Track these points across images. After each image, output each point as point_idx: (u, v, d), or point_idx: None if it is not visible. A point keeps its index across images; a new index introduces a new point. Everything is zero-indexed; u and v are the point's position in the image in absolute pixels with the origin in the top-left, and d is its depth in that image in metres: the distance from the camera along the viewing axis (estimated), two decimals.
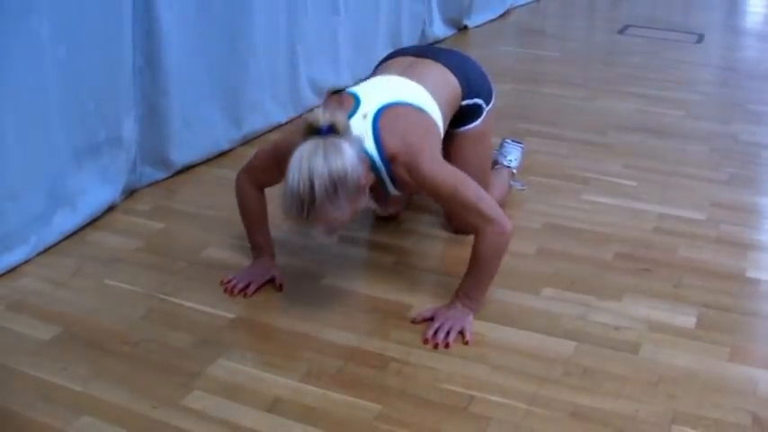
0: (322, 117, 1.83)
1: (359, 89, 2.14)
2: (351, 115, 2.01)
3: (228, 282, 2.22)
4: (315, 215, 1.83)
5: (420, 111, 2.10)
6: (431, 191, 2.04)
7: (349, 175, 1.82)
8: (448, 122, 2.28)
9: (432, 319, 2.06)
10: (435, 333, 2.01)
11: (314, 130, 1.83)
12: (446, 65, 2.31)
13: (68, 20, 2.33)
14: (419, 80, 2.19)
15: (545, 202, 2.79)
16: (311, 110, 1.85)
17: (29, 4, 2.18)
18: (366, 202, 1.95)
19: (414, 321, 2.08)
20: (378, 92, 2.10)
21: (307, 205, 1.81)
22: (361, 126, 1.99)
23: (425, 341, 2.00)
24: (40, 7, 2.22)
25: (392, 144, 1.99)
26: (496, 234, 2.00)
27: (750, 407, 1.80)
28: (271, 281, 2.24)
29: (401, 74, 2.22)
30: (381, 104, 2.04)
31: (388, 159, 2.00)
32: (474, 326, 2.05)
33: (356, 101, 2.07)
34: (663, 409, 1.79)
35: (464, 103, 2.32)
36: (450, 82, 2.29)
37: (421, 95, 2.15)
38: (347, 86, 3.91)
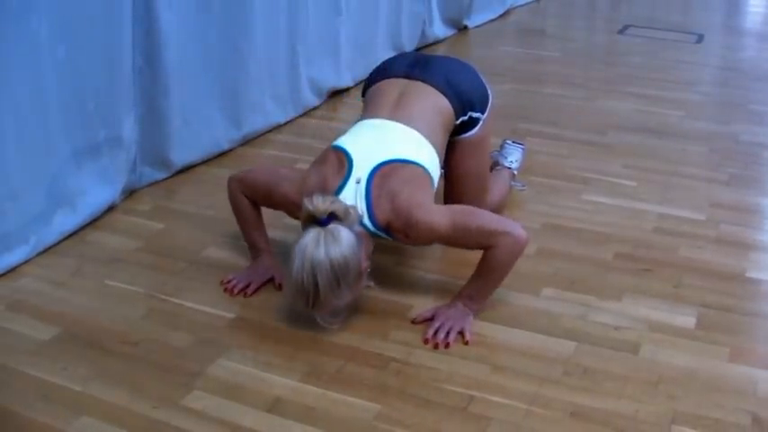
0: (321, 207, 1.88)
1: (351, 147, 2.11)
2: (345, 180, 2.04)
3: (228, 282, 2.22)
4: (319, 305, 1.90)
5: (410, 165, 2.09)
6: (436, 240, 2.07)
7: (350, 264, 1.88)
8: (444, 150, 2.28)
9: (432, 318, 2.07)
10: (435, 333, 2.01)
11: (313, 220, 1.89)
12: (437, 86, 2.27)
13: (68, 20, 2.33)
14: (410, 120, 2.17)
15: (545, 202, 2.79)
16: (310, 199, 1.89)
17: (28, 4, 2.18)
18: (366, 284, 2.01)
19: (414, 321, 2.08)
20: (369, 151, 2.09)
21: (312, 297, 1.88)
22: (354, 192, 2.02)
23: (425, 341, 2.00)
24: (40, 7, 2.22)
25: (383, 215, 2.01)
26: (510, 244, 2.01)
27: (750, 407, 1.80)
28: (270, 280, 2.24)
29: (391, 114, 2.20)
30: (373, 166, 2.05)
31: (384, 229, 2.03)
32: (474, 326, 2.05)
33: (349, 162, 2.07)
34: (663, 409, 1.79)
35: (458, 122, 2.31)
36: (441, 108, 2.26)
37: (412, 143, 2.14)
38: (347, 87, 3.95)
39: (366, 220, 2.01)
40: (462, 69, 2.41)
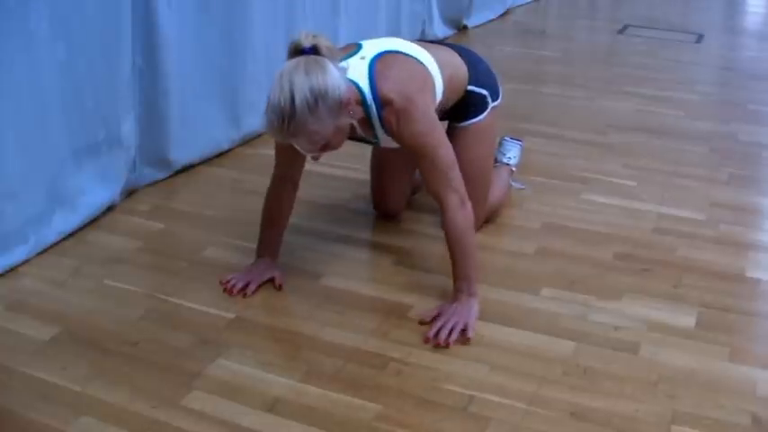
0: (305, 38, 1.87)
1: (364, 41, 2.17)
2: (349, 56, 2.05)
3: (228, 281, 2.22)
4: (295, 128, 1.85)
5: (421, 65, 2.13)
6: (411, 144, 2.06)
7: (329, 88, 1.84)
8: (448, 100, 2.28)
9: (437, 315, 2.06)
10: (437, 333, 2.00)
11: (297, 51, 1.87)
12: (455, 51, 2.36)
13: (67, 20, 2.33)
14: (426, 49, 2.22)
15: (545, 202, 2.79)
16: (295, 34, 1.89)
17: (27, 3, 2.18)
18: (348, 121, 1.96)
19: (422, 322, 2.07)
20: (381, 43, 2.15)
21: (287, 118, 1.83)
22: (357, 66, 2.02)
23: (426, 340, 2.00)
24: (39, 7, 2.22)
25: (388, 89, 2.01)
26: (457, 206, 2.04)
27: (750, 407, 1.80)
28: (270, 280, 2.24)
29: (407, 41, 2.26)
30: (382, 50, 2.08)
31: (382, 103, 2.01)
32: (474, 326, 2.05)
33: (358, 46, 2.12)
34: (662, 409, 1.79)
35: (470, 87, 2.33)
36: (456, 63, 2.31)
37: (424, 55, 2.17)
38: None
39: (365, 87, 2.00)
40: (479, 57, 2.48)
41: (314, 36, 1.88)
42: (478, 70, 2.39)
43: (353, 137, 2.11)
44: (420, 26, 4.69)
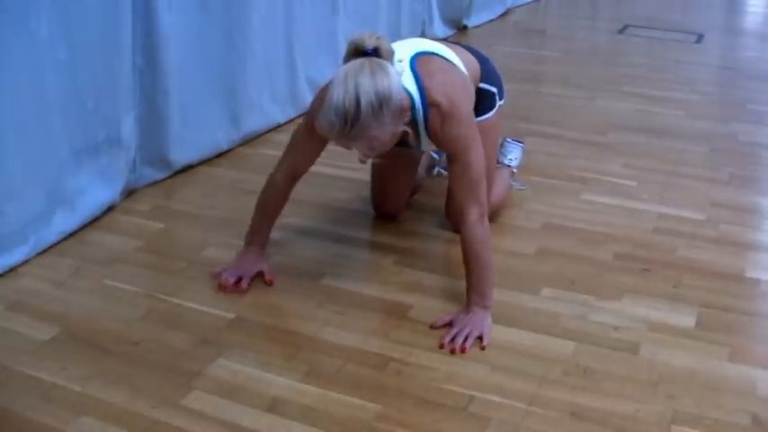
0: (368, 39, 1.84)
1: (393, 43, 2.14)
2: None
3: (220, 275, 2.22)
4: (358, 132, 1.82)
5: (454, 66, 2.14)
6: (451, 147, 2.05)
7: (393, 94, 1.82)
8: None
9: (450, 323, 2.06)
10: (453, 338, 2.00)
11: (359, 52, 1.84)
12: (466, 49, 2.38)
13: (68, 20, 2.33)
14: (448, 47, 2.23)
15: (545, 202, 2.79)
16: (355, 35, 1.86)
17: (28, 3, 2.18)
18: (405, 128, 1.94)
19: (433, 327, 2.06)
20: (409, 44, 2.13)
21: (351, 121, 1.80)
22: (398, 68, 1.97)
23: (441, 346, 1.99)
24: (40, 7, 2.22)
25: (435, 91, 2.00)
26: (478, 220, 2.03)
27: (750, 407, 1.80)
28: (260, 274, 2.24)
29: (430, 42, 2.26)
30: (416, 51, 2.06)
31: (429, 104, 2.00)
32: (489, 335, 2.04)
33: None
34: (663, 409, 1.79)
35: (482, 85, 2.36)
36: (473, 61, 2.34)
37: (453, 57, 2.19)
38: None
39: (413, 89, 1.98)
40: (485, 56, 2.49)
41: (377, 38, 1.86)
42: (487, 68, 2.41)
43: (397, 142, 2.08)
44: (420, 26, 4.69)
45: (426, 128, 2.06)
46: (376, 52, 1.85)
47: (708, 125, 3.62)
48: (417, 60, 2.06)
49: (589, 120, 3.65)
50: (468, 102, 2.09)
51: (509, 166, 2.79)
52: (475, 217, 2.04)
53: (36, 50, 2.24)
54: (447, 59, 2.16)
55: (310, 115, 2.08)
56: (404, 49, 2.10)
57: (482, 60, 2.41)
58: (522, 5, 6.13)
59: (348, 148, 1.90)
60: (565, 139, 3.38)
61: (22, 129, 2.24)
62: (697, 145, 3.37)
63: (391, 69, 1.85)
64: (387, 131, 1.87)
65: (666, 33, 5.46)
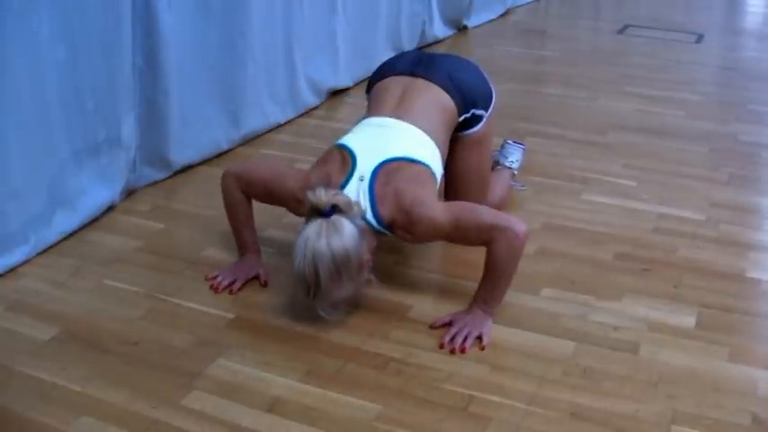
0: (324, 199, 1.89)
1: (355, 145, 2.12)
2: (348, 177, 2.05)
3: (214, 278, 2.23)
4: (320, 296, 1.92)
5: (413, 163, 2.10)
6: (436, 238, 2.10)
7: (352, 256, 1.89)
8: (447, 147, 2.29)
9: (450, 323, 2.06)
10: (453, 338, 2.00)
11: (317, 212, 1.90)
12: (440, 83, 2.28)
13: (68, 20, 2.33)
14: (413, 119, 2.18)
15: (545, 202, 2.79)
16: (314, 190, 1.91)
17: (29, 3, 2.18)
18: (369, 277, 2.01)
19: (433, 327, 2.07)
20: (373, 149, 2.10)
21: (313, 288, 1.90)
22: (358, 189, 2.03)
23: (441, 345, 1.99)
24: (41, 7, 2.22)
25: (387, 213, 2.03)
26: (509, 239, 2.00)
27: (750, 407, 1.80)
28: (256, 278, 2.25)
29: (394, 112, 2.20)
30: (377, 164, 2.06)
31: (388, 226, 2.04)
32: (489, 335, 2.04)
33: (352, 160, 2.08)
34: (663, 409, 1.79)
35: (461, 119, 2.31)
36: (444, 105, 2.27)
37: (415, 141, 2.15)
38: (347, 87, 3.95)
39: (370, 217, 2.01)
40: (466, 67, 2.43)
41: (334, 195, 1.91)
42: (466, 95, 2.31)
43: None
44: (420, 26, 4.68)
45: (397, 236, 2.08)
46: (334, 210, 1.90)
47: (708, 125, 3.62)
48: (377, 176, 2.04)
49: (589, 120, 3.65)
50: (425, 193, 2.07)
51: (510, 168, 2.79)
52: (500, 238, 2.00)
53: (37, 50, 2.24)
54: (411, 160, 2.09)
55: (262, 183, 2.20)
56: (368, 159, 2.07)
57: (460, 87, 2.30)
58: (522, 5, 6.13)
59: (314, 307, 1.98)
60: (565, 140, 3.38)
61: (22, 129, 2.24)
62: (697, 145, 3.37)
63: (347, 228, 1.89)
64: (348, 290, 1.95)
65: (666, 33, 5.46)
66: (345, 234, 1.88)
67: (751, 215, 2.78)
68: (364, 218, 1.99)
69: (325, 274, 1.87)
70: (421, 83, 2.28)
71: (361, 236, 1.92)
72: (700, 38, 5.41)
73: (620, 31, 5.55)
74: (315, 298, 1.92)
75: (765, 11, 6.99)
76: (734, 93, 4.22)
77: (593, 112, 3.77)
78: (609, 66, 4.66)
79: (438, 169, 2.18)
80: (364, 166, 2.06)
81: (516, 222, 2.02)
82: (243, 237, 2.30)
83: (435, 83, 2.28)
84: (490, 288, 2.06)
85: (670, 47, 5.13)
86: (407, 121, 2.18)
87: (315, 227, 1.89)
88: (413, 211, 2.01)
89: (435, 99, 2.26)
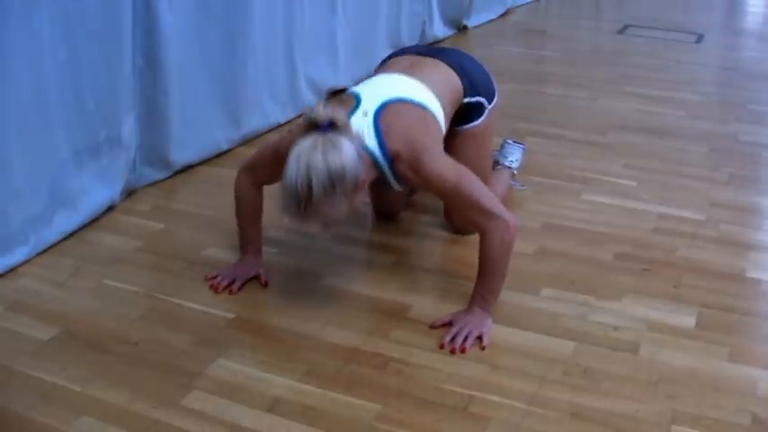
0: (322, 113, 1.83)
1: (359, 88, 2.15)
2: (351, 113, 2.03)
3: (213, 278, 2.23)
4: (312, 211, 1.84)
5: (421, 107, 2.11)
6: (434, 187, 2.05)
7: (347, 172, 1.82)
8: (450, 120, 2.28)
9: (450, 323, 2.06)
10: (453, 338, 2.00)
11: (313, 126, 1.84)
12: (448, 63, 2.32)
13: (69, 20, 2.33)
14: (421, 77, 2.19)
15: (545, 202, 2.79)
16: (311, 106, 1.86)
17: (30, 3, 2.18)
18: (364, 198, 1.95)
19: (432, 326, 2.07)
20: (378, 90, 2.12)
21: (304, 201, 1.81)
22: (361, 124, 2.00)
23: (441, 346, 1.99)
24: (42, 7, 2.22)
25: (394, 143, 2.00)
26: (500, 231, 1.99)
27: (750, 407, 1.80)
28: (256, 277, 2.24)
29: (402, 72, 2.22)
30: (381, 101, 2.05)
31: (391, 158, 2.01)
32: (489, 335, 2.04)
33: (356, 99, 2.09)
34: (663, 409, 1.79)
35: (466, 100, 2.32)
36: (451, 80, 2.29)
37: (422, 92, 2.16)
38: (346, 87, 3.94)
39: (374, 147, 1.98)
40: (473, 61, 2.46)
41: (331, 110, 1.86)
42: (473, 79, 2.35)
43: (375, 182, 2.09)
44: (420, 26, 4.68)
45: (397, 178, 2.06)
46: (331, 126, 1.84)
47: (708, 125, 3.62)
48: (383, 112, 2.03)
49: (589, 120, 3.65)
50: (432, 140, 2.06)
51: (509, 167, 2.79)
52: (492, 228, 1.99)
53: (38, 51, 2.24)
54: (416, 103, 2.10)
55: (270, 148, 2.17)
56: (371, 99, 2.07)
57: (466, 71, 2.34)
58: (522, 5, 6.13)
59: (304, 226, 1.92)
60: (565, 139, 3.38)
61: (24, 129, 2.25)
62: (697, 145, 3.37)
63: (345, 144, 1.83)
64: (341, 209, 1.87)
65: (666, 33, 5.46)
66: (343, 151, 1.81)
67: (751, 215, 2.78)
68: (367, 148, 1.95)
69: (319, 187, 1.79)
70: (431, 60, 2.32)
71: (359, 158, 1.86)
72: (700, 38, 5.40)
73: (621, 31, 5.55)
74: (306, 212, 1.83)
75: (765, 11, 6.99)
76: (734, 93, 4.22)
77: (593, 112, 3.77)
78: (609, 66, 4.66)
79: (443, 125, 2.17)
80: (368, 103, 2.04)
81: (509, 216, 2.02)
82: (248, 235, 2.28)
83: (444, 62, 2.31)
84: (486, 284, 2.06)
85: (670, 47, 5.12)
86: (416, 79, 2.18)
87: (310, 140, 1.82)
88: (423, 156, 1.98)
89: (444, 73, 2.28)
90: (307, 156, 1.80)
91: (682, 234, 2.58)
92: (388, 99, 2.07)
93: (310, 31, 3.54)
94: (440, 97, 2.19)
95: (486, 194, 2.03)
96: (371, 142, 1.99)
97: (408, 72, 2.22)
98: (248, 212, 2.27)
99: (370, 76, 2.35)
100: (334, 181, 1.80)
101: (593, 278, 2.32)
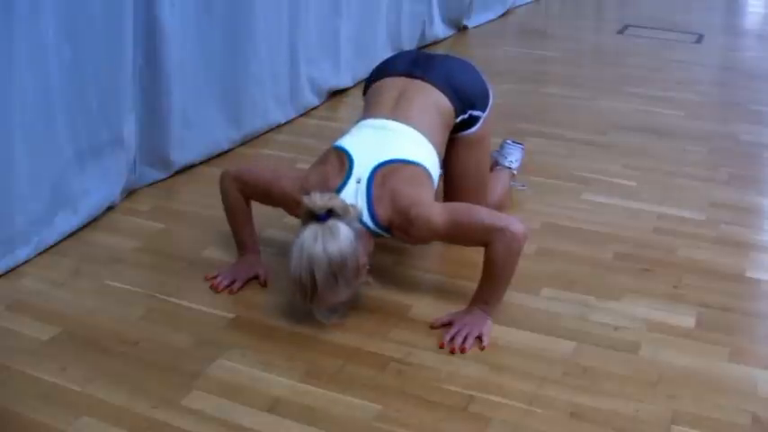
0: (319, 203, 1.89)
1: (352, 147, 2.12)
2: (345, 179, 2.05)
3: (213, 278, 2.23)
4: (317, 301, 1.93)
5: (413, 165, 2.10)
6: (436, 238, 2.09)
7: (348, 260, 1.89)
8: (444, 148, 2.29)
9: (450, 323, 2.06)
10: (453, 338, 2.00)
11: (312, 216, 1.90)
12: (437, 85, 2.27)
13: (73, 21, 2.33)
14: (410, 120, 2.18)
15: (545, 202, 2.79)
16: (309, 196, 1.91)
17: (36, 5, 2.18)
18: (366, 280, 2.03)
19: (432, 327, 2.07)
20: (370, 151, 2.10)
21: (309, 293, 1.90)
22: (355, 192, 2.03)
23: (441, 346, 1.99)
24: (47, 8, 2.23)
25: (384, 214, 2.03)
26: (504, 239, 1.99)
27: (750, 407, 1.80)
28: (255, 278, 2.25)
29: (391, 114, 2.20)
30: (373, 167, 2.06)
31: (386, 227, 2.04)
32: (489, 335, 2.04)
33: (349, 162, 2.08)
34: (663, 409, 1.79)
35: (458, 120, 2.31)
36: (441, 107, 2.26)
37: (413, 143, 2.15)
38: (347, 87, 3.95)
39: (367, 219, 2.01)
40: (463, 68, 2.42)
41: (329, 199, 1.91)
42: (463, 95, 2.31)
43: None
44: (420, 26, 4.68)
45: (397, 237, 2.08)
46: (330, 214, 1.90)
47: (708, 125, 3.62)
48: (375, 178, 2.05)
49: (589, 120, 3.65)
50: (423, 193, 2.07)
51: (509, 168, 2.79)
52: (505, 235, 1.99)
53: (43, 51, 2.25)
54: (408, 162, 2.09)
55: (266, 179, 2.20)
56: (365, 162, 2.07)
57: (454, 88, 2.29)
58: (522, 5, 6.13)
59: (312, 311, 2.01)
60: (565, 139, 3.38)
61: (27, 129, 2.25)
62: (697, 145, 3.37)
63: (343, 231, 1.89)
64: (345, 294, 1.96)
65: (666, 33, 5.46)
66: (341, 239, 1.88)
67: (751, 215, 2.78)
68: (361, 220, 1.99)
69: (322, 279, 1.87)
70: (418, 84, 2.28)
71: (357, 239, 1.92)
72: (700, 38, 5.41)
73: (621, 31, 5.55)
74: (312, 303, 1.93)
75: (765, 11, 6.99)
76: (734, 93, 4.22)
77: (593, 112, 3.77)
78: (609, 66, 4.66)
79: (435, 170, 2.18)
80: (361, 169, 2.06)
81: (514, 223, 2.02)
82: (242, 237, 2.30)
83: (432, 84, 2.28)
84: (489, 288, 2.06)
85: (670, 47, 5.12)
86: (404, 123, 2.18)
87: (311, 231, 1.89)
88: (410, 212, 2.01)
89: (432, 100, 2.26)
90: (309, 249, 1.87)
91: (682, 234, 2.58)
92: (380, 162, 2.07)
93: (313, 32, 3.54)
94: (431, 135, 2.19)
95: (483, 215, 2.03)
96: (365, 215, 2.02)
97: (397, 113, 2.20)
98: (239, 215, 2.27)
99: (358, 120, 2.28)
100: (336, 272, 1.88)
101: (593, 278, 2.32)
